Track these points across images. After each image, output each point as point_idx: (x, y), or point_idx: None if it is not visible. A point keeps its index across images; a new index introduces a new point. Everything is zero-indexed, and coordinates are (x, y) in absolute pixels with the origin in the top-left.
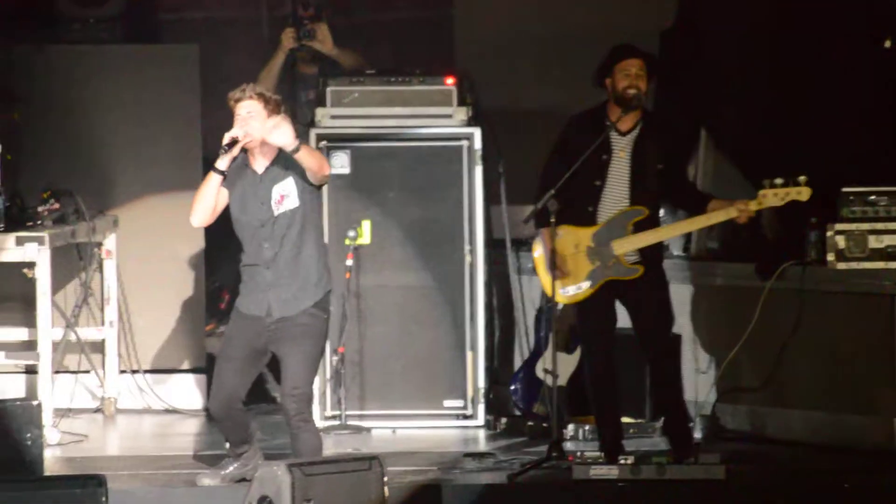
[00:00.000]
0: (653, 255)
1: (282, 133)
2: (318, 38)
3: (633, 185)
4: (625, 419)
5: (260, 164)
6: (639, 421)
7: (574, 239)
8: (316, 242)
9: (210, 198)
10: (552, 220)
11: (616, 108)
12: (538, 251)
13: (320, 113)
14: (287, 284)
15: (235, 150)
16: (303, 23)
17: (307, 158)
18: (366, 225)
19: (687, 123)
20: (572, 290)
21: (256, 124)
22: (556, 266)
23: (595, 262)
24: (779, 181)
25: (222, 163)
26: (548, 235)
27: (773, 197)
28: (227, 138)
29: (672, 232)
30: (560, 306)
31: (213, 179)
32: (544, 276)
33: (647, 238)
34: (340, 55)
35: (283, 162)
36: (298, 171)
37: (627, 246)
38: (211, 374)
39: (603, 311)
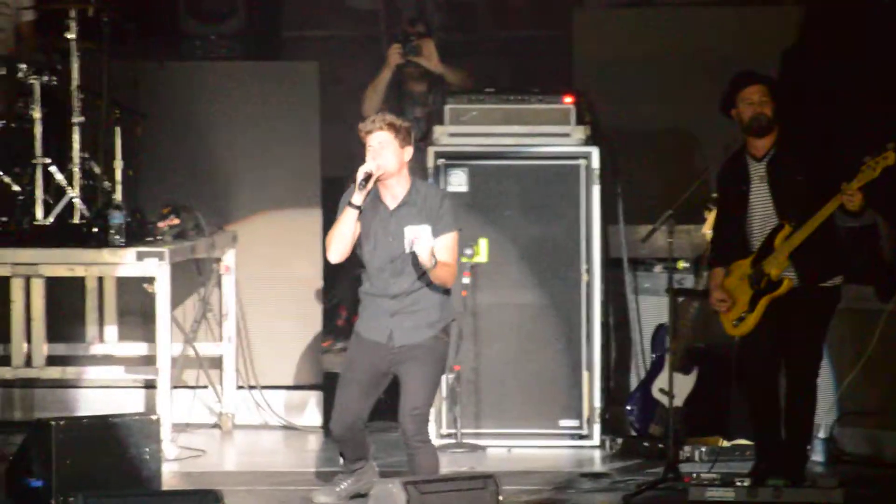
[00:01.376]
0: (808, 274)
1: (422, 249)
2: (423, 55)
3: (778, 206)
4: (740, 441)
5: (390, 198)
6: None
7: (739, 272)
8: None
9: (348, 234)
10: (717, 260)
11: (748, 136)
12: None
13: (438, 130)
14: (410, 314)
15: (370, 185)
16: (409, 39)
17: (434, 273)
18: (483, 243)
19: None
20: (740, 321)
21: (389, 155)
22: (721, 300)
23: (754, 288)
24: (875, 153)
25: (358, 198)
26: (712, 275)
27: (869, 171)
28: (361, 174)
29: (802, 234)
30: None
31: (350, 215)
32: (720, 317)
33: (785, 249)
34: (447, 72)
35: (418, 202)
36: (432, 217)
37: (774, 262)
38: (328, 390)
39: (764, 342)
